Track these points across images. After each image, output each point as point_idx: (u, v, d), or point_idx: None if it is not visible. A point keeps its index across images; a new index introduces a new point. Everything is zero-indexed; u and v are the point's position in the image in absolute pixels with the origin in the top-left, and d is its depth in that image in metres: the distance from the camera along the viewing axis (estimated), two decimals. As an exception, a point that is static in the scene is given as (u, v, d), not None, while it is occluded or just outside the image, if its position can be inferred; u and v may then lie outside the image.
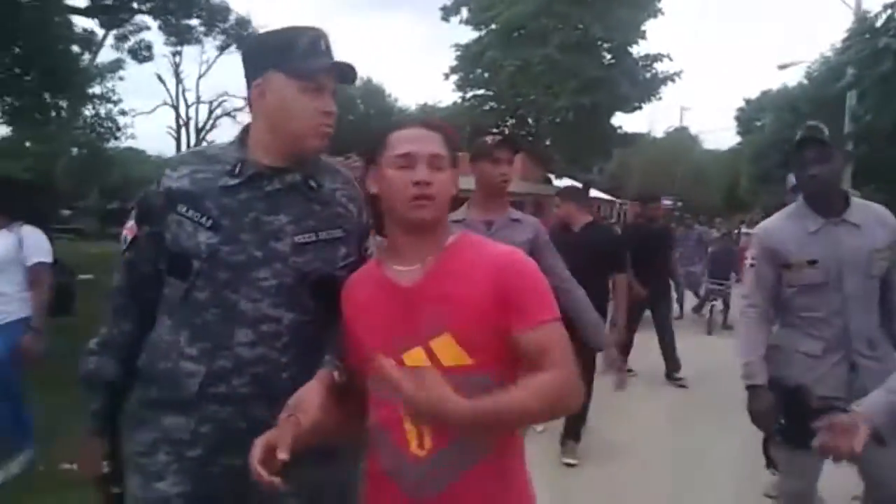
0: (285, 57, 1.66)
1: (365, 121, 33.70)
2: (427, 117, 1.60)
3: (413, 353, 1.44)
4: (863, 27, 13.77)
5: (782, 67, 24.53)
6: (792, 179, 3.28)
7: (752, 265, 2.92)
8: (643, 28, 24.05)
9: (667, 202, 37.98)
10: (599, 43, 24.10)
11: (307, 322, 1.68)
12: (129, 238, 1.77)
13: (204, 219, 1.65)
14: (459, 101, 27.52)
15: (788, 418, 2.71)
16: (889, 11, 13.78)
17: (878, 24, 13.66)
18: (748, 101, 45.29)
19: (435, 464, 1.45)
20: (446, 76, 26.58)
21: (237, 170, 1.70)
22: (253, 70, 1.72)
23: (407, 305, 1.47)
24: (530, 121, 26.32)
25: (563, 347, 1.46)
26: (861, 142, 15.97)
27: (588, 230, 5.00)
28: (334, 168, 1.86)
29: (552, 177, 26.11)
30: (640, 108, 25.40)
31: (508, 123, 27.47)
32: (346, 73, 1.71)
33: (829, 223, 2.70)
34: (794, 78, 51.49)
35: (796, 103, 26.77)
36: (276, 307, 1.65)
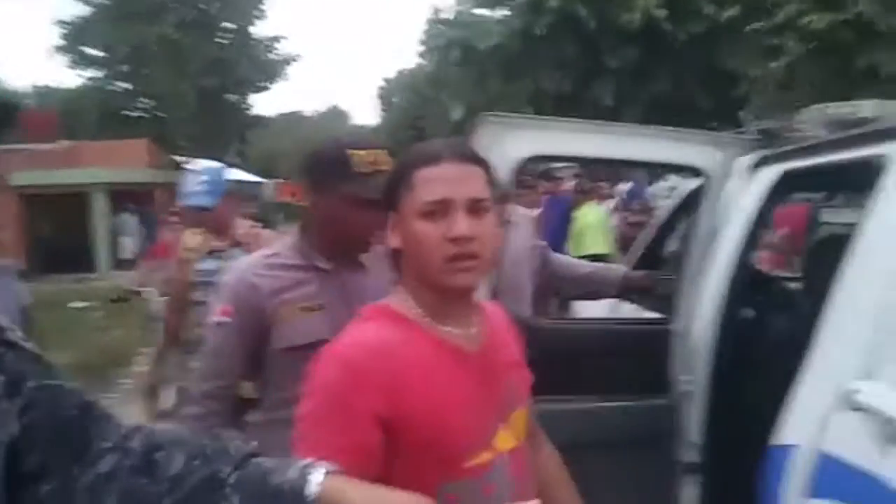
0: None
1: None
2: (457, 145, 1.21)
3: (501, 435, 1.17)
4: (437, 19, 15.44)
5: (400, 52, 26.34)
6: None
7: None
8: (262, 8, 24.22)
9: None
10: (220, 24, 23.65)
11: None
12: None
13: None
14: (87, 82, 25.00)
15: None
16: (458, 7, 15.63)
17: (450, 17, 15.41)
18: (387, 81, 48.34)
19: None
20: (51, 55, 23.94)
21: None
22: None
23: (483, 376, 1.18)
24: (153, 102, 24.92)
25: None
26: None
27: None
28: None
29: (182, 161, 25.12)
30: (267, 88, 25.65)
31: (142, 105, 25.75)
32: None
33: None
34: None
35: (417, 85, 29.28)
36: None
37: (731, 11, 13.01)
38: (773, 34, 12.87)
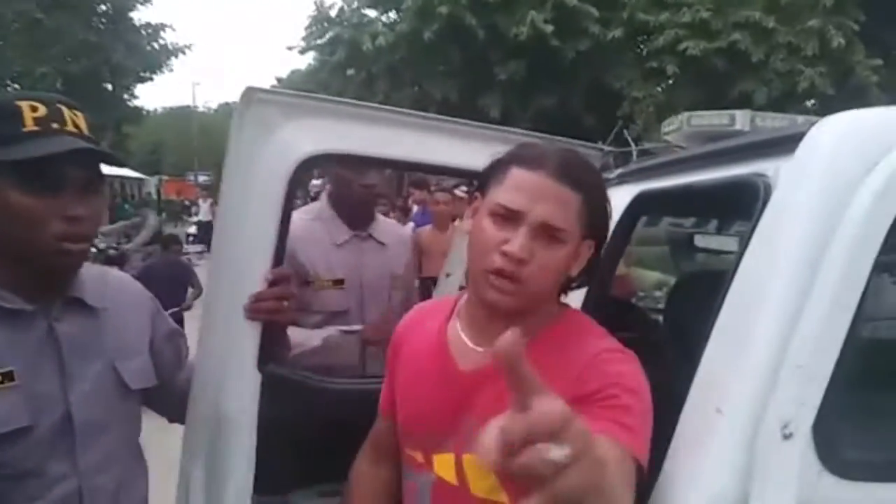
0: None
1: None
2: (566, 161, 1.04)
3: (442, 458, 1.09)
4: (321, 16, 14.77)
5: (290, 49, 25.33)
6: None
7: None
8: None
9: (202, 178, 36.85)
10: (95, 6, 21.93)
11: None
12: None
13: None
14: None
15: None
16: (341, 3, 15.07)
17: (333, 14, 14.80)
18: (280, 80, 46.96)
19: None
20: None
21: None
22: None
23: (459, 395, 1.08)
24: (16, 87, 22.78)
25: (623, 475, 0.92)
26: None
27: None
28: None
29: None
30: (150, 79, 24.06)
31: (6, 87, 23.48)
32: None
33: (356, 237, 2.08)
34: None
35: (306, 86, 28.30)
36: None
37: (616, 32, 13.14)
38: (654, 58, 13.11)
